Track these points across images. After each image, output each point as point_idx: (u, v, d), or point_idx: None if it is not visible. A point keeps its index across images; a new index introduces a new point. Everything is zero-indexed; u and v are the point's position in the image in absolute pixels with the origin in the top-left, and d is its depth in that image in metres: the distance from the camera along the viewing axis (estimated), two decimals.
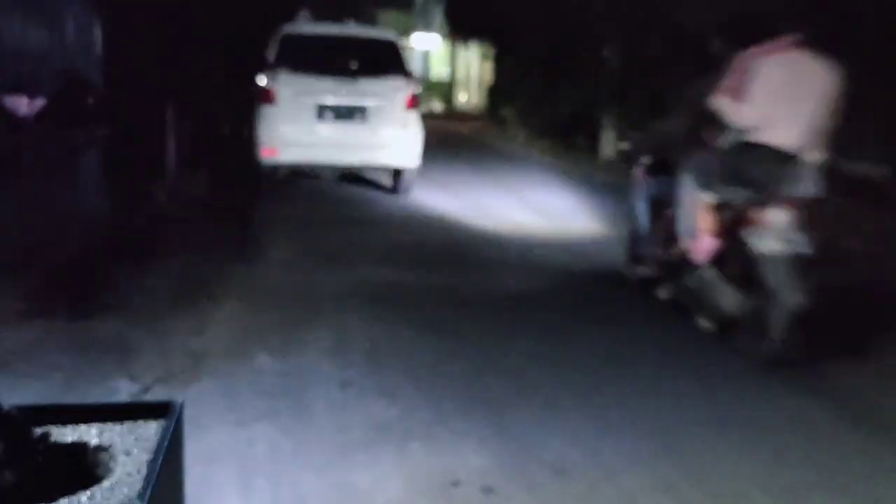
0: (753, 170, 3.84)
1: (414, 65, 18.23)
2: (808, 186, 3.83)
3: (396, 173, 8.50)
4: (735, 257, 3.93)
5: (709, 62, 4.20)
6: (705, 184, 4.05)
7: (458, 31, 22.45)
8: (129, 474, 1.15)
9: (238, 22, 10.54)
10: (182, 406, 1.32)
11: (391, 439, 2.84)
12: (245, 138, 11.03)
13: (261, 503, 2.40)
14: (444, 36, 29.23)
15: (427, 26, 31.09)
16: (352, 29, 9.08)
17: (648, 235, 4.78)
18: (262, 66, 8.02)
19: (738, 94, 3.83)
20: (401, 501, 2.44)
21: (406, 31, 29.17)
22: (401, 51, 8.49)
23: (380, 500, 2.43)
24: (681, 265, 4.30)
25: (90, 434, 1.26)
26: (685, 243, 4.23)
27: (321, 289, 4.86)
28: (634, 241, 4.98)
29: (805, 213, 3.78)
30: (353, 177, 9.28)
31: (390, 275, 5.28)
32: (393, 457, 2.71)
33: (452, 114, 29.03)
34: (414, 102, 8.17)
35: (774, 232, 3.67)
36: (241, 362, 3.53)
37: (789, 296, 3.60)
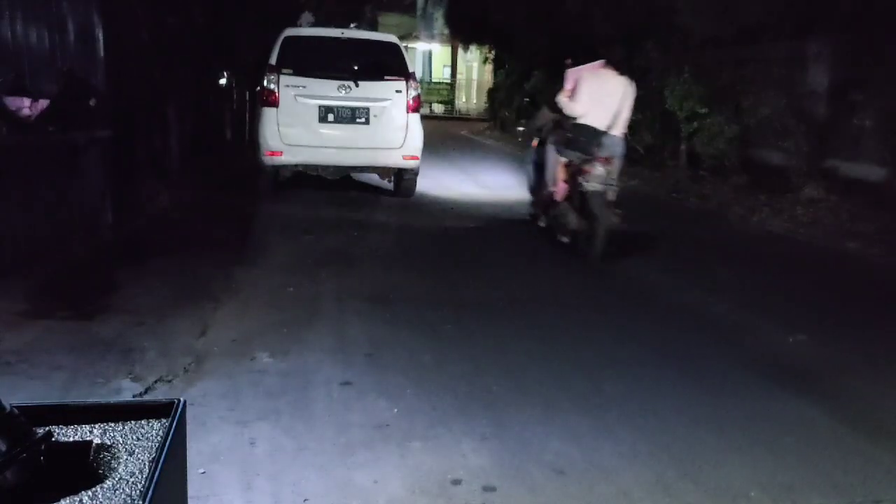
0: (583, 141, 5.97)
1: (415, 67, 18.20)
2: (613, 150, 5.99)
3: (398, 175, 8.53)
4: (576, 195, 5.99)
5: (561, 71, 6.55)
6: (560, 151, 6.25)
7: (459, 34, 22.46)
8: (132, 474, 1.15)
9: (240, 25, 10.56)
10: (184, 406, 1.32)
11: (392, 439, 2.85)
12: (246, 140, 11.05)
13: (263, 502, 2.40)
14: (445, 39, 29.24)
15: (428, 29, 31.11)
16: (353, 32, 9.10)
17: (535, 187, 7.03)
18: (265, 69, 8.04)
19: (572, 95, 6.10)
20: (402, 500, 2.45)
21: (408, 34, 29.21)
22: (402, 53, 8.50)
23: (381, 499, 2.44)
24: (550, 203, 6.51)
25: (92, 433, 1.26)
26: (551, 189, 6.44)
27: (322, 288, 4.87)
28: (531, 192, 7.28)
29: (611, 166, 5.84)
30: (353, 178, 9.29)
31: (393, 279, 5.29)
32: (394, 456, 2.72)
33: (453, 116, 29.02)
34: (415, 104, 8.18)
35: (595, 178, 5.73)
36: (242, 362, 3.54)
37: (606, 219, 5.69)
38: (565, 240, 6.23)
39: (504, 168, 12.33)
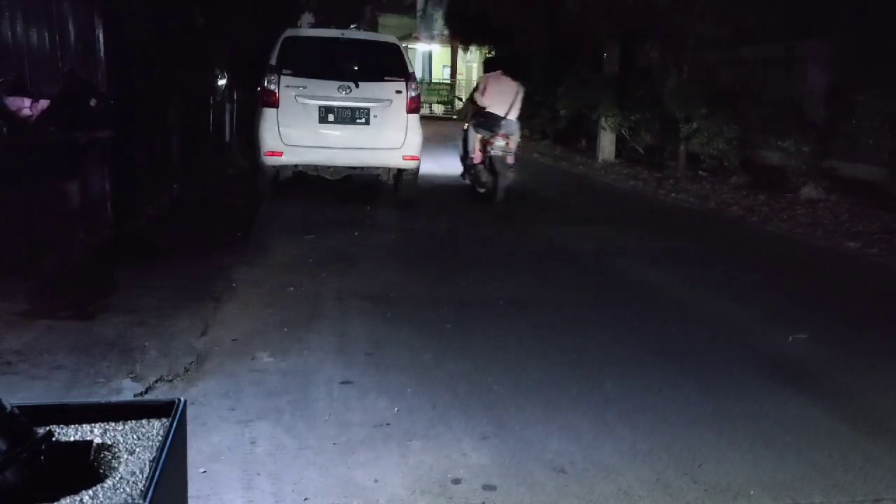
0: (490, 123, 8.69)
1: (415, 68, 18.17)
2: (509, 129, 8.66)
3: (398, 175, 8.53)
4: (486, 159, 8.73)
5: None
6: (477, 129, 8.85)
7: (459, 34, 22.46)
8: (133, 473, 1.16)
9: (240, 25, 10.56)
10: (185, 405, 1.32)
11: (392, 438, 2.85)
12: (247, 140, 11.04)
13: (264, 502, 2.40)
14: (444, 39, 29.23)
15: (428, 30, 31.10)
16: (353, 32, 9.09)
17: (463, 155, 9.30)
18: (265, 70, 8.03)
19: (483, 93, 8.81)
20: (403, 499, 2.45)
21: (408, 35, 29.21)
22: (402, 54, 8.50)
23: (381, 498, 2.44)
24: (472, 166, 9.03)
25: (93, 433, 1.27)
26: (472, 156, 8.95)
27: (322, 288, 4.88)
28: (461, 160, 9.55)
29: (509, 139, 8.57)
30: (354, 178, 9.28)
31: (393, 278, 5.30)
32: (394, 455, 2.72)
33: (453, 116, 29.02)
34: (415, 105, 8.19)
35: (497, 147, 8.51)
36: (243, 362, 3.54)
37: (504, 176, 8.59)
38: (481, 190, 8.95)
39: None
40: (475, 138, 8.86)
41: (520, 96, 8.81)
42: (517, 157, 8.89)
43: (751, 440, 2.97)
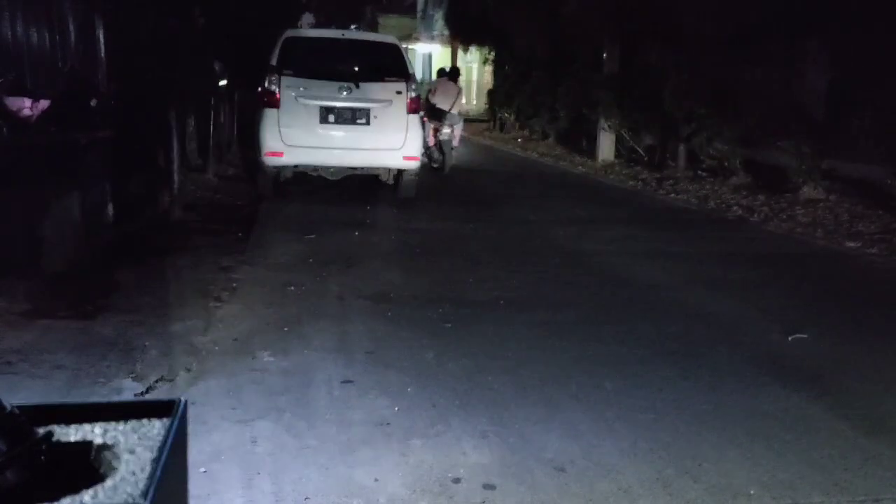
0: (438, 116, 11.61)
1: (416, 68, 18.19)
2: (453, 120, 11.68)
3: (398, 175, 8.54)
4: (438, 142, 11.66)
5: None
6: (430, 120, 11.43)
7: (459, 34, 22.46)
8: (133, 473, 1.15)
9: (242, 25, 10.56)
10: (186, 404, 1.32)
11: (393, 437, 2.85)
12: (247, 140, 11.05)
13: (264, 501, 2.41)
14: (445, 40, 29.21)
15: (428, 31, 31.08)
16: (354, 33, 9.10)
17: (425, 142, 10.68)
18: (265, 70, 8.04)
19: (434, 93, 12.03)
20: (403, 498, 2.45)
21: (408, 36, 29.20)
22: (402, 54, 8.50)
23: (382, 498, 2.44)
24: (428, 148, 11.30)
25: (94, 433, 1.26)
26: (428, 140, 11.21)
27: (323, 287, 4.88)
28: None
29: (453, 128, 11.66)
30: (354, 178, 9.29)
31: (393, 277, 5.30)
32: (395, 454, 2.72)
33: None
34: (415, 105, 8.19)
35: (444, 134, 11.58)
36: (244, 361, 3.54)
37: (450, 155, 11.68)
38: (434, 165, 11.70)
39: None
40: (429, 127, 11.61)
41: (461, 96, 12.24)
42: (462, 140, 12.15)
43: (751, 439, 2.97)
